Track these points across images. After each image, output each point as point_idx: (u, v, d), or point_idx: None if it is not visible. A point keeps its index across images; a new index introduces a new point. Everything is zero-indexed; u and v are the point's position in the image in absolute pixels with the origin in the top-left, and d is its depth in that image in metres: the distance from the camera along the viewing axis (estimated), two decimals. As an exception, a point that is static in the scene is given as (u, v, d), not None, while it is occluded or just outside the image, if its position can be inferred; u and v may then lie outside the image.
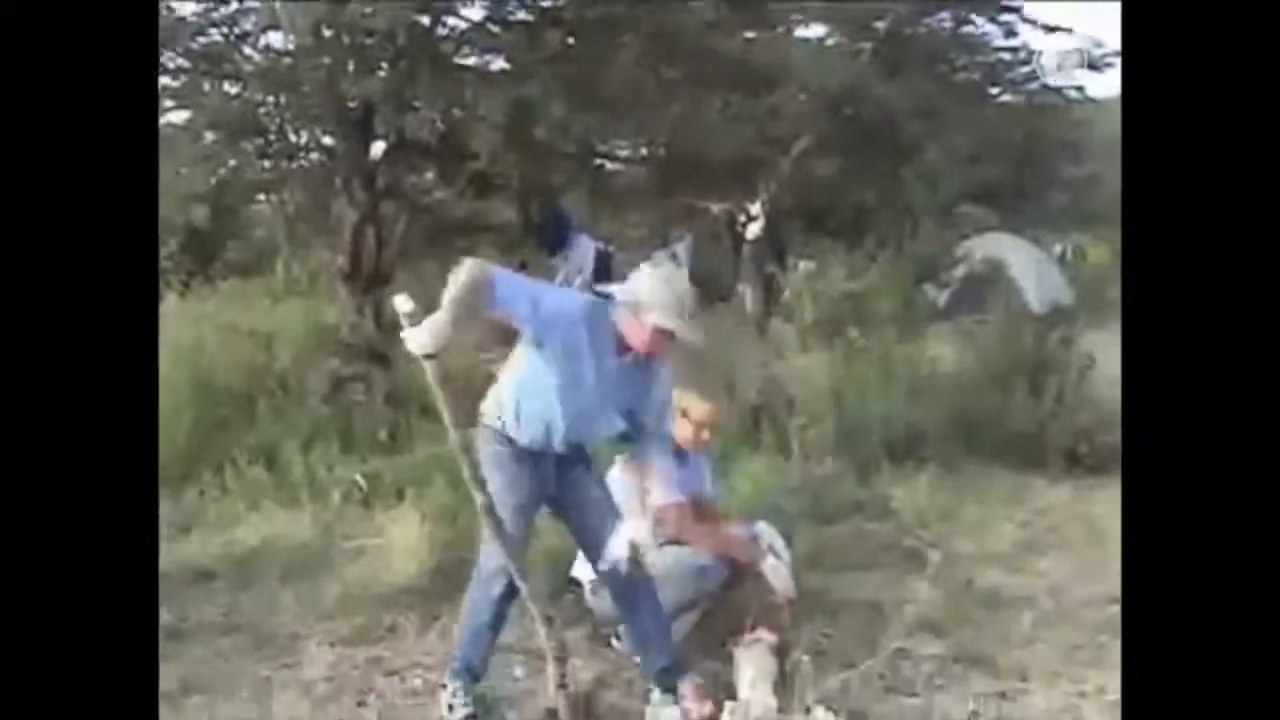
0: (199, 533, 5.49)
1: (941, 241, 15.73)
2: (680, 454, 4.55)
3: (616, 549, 3.86)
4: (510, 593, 3.90)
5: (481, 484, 3.65)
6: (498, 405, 3.90)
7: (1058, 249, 23.81)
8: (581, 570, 4.61)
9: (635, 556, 3.86)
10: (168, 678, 4.01)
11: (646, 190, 15.55)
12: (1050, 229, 24.05)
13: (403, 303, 3.52)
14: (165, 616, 4.46)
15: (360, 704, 4.00)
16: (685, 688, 3.69)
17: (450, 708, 3.90)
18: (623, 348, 3.84)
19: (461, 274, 3.61)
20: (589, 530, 4.04)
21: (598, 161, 13.44)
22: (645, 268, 3.90)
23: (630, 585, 4.00)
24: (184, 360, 6.82)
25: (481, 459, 3.78)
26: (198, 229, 12.78)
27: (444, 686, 3.96)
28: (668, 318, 3.74)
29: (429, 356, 3.50)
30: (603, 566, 3.97)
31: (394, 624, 4.64)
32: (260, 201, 13.96)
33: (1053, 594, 5.40)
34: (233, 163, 8.94)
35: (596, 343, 3.81)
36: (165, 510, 5.73)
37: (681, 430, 4.66)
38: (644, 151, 15.93)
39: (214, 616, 4.56)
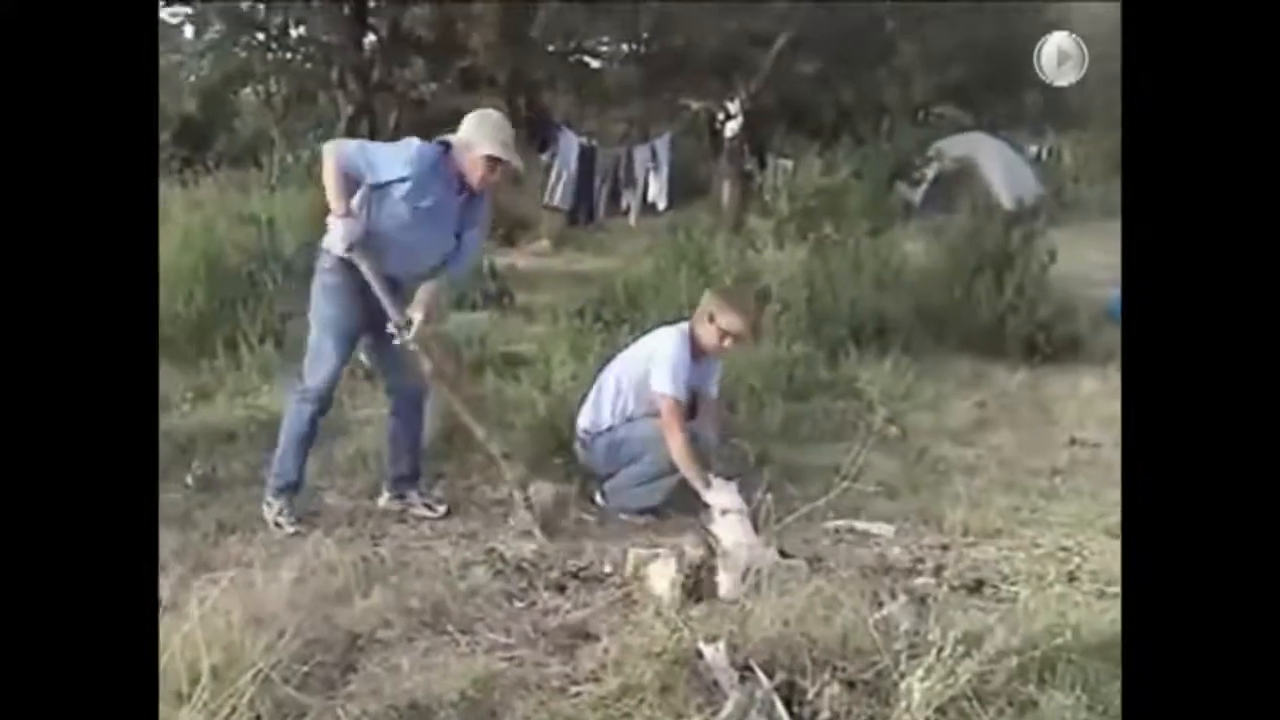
0: (222, 398, 5.89)
1: (916, 141, 15.95)
2: (698, 353, 4.96)
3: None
4: (323, 411, 4.60)
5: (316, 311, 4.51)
6: (342, 237, 4.41)
7: (1033, 150, 24.08)
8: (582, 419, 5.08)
9: None
10: (206, 520, 4.49)
11: (629, 87, 15.77)
12: (1027, 131, 24.25)
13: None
14: (198, 469, 4.92)
15: (375, 545, 4.42)
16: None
17: (278, 524, 4.51)
18: (461, 186, 4.53)
19: (326, 167, 4.43)
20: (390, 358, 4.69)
21: (582, 58, 13.70)
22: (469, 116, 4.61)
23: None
24: (194, 243, 7.15)
25: (318, 288, 4.53)
26: (190, 118, 12.92)
27: (268, 504, 4.57)
28: (494, 148, 4.43)
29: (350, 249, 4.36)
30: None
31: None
32: (251, 94, 14.25)
33: (1001, 465, 5.86)
34: (243, 54, 9.14)
35: (435, 182, 4.47)
36: (183, 381, 6.17)
37: (706, 333, 4.93)
38: (626, 49, 16.12)
39: (241, 470, 4.99)
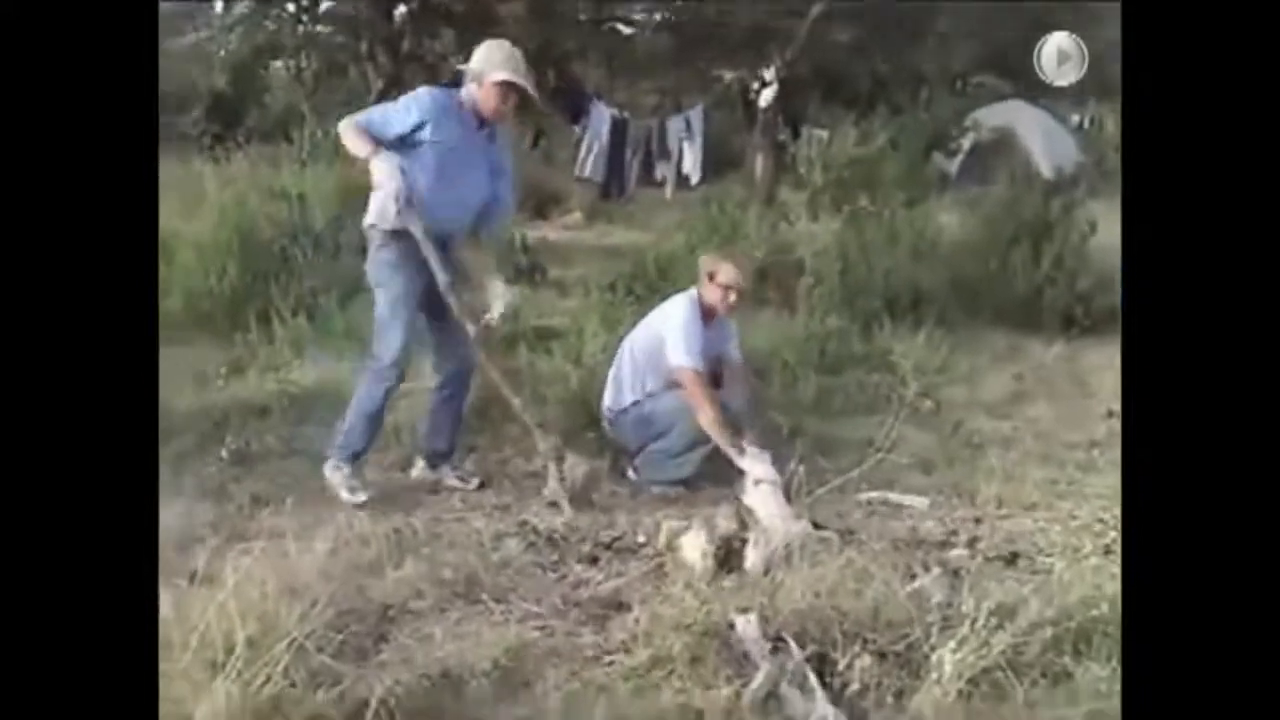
0: (254, 373, 5.95)
1: (953, 110, 15.78)
2: (708, 316, 4.95)
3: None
4: (399, 383, 4.59)
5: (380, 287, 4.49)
6: (381, 208, 4.41)
7: (1075, 119, 23.72)
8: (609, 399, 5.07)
9: None
10: (241, 493, 4.52)
11: (662, 57, 15.68)
12: (1069, 99, 23.85)
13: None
14: (232, 443, 4.97)
15: (408, 517, 4.39)
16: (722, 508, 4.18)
17: (351, 489, 4.52)
18: (480, 122, 4.54)
19: (345, 136, 4.41)
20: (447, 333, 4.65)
21: (614, 27, 13.61)
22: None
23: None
24: (227, 219, 7.19)
25: (377, 265, 4.51)
26: (221, 94, 12.94)
27: (336, 469, 4.56)
28: (505, 73, 4.44)
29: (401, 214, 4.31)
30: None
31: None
32: (282, 68, 14.28)
33: (1038, 438, 5.81)
34: (271, 27, 9.13)
35: (452, 121, 4.48)
36: (217, 355, 6.22)
37: (709, 293, 4.94)
38: (659, 18, 16.01)
39: (274, 444, 5.03)
